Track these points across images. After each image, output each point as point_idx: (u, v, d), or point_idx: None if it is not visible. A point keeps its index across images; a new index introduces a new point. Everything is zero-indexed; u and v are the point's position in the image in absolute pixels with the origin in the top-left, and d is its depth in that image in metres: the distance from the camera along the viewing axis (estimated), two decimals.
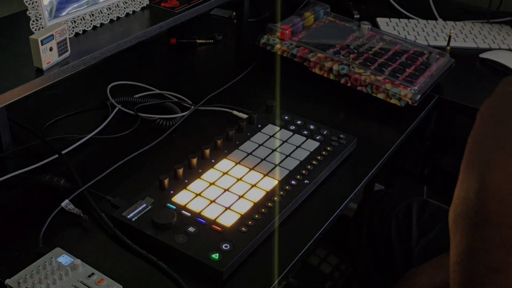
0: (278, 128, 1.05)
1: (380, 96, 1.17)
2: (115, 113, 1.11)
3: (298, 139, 1.02)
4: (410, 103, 1.14)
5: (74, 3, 0.94)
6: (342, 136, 1.03)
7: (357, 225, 1.27)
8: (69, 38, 0.90)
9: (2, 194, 0.92)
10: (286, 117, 1.07)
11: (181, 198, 0.87)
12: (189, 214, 0.84)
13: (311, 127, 1.05)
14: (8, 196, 0.92)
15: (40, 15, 0.88)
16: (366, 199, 1.43)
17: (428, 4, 1.60)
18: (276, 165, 0.96)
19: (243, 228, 0.82)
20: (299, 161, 0.97)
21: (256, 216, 0.85)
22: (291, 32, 1.29)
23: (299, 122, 1.06)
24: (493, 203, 0.49)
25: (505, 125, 0.51)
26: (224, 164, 0.95)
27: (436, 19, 1.56)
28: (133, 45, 1.00)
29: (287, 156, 0.98)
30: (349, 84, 1.19)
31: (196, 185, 0.90)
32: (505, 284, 0.49)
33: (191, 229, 0.82)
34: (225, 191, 0.89)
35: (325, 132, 1.04)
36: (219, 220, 0.84)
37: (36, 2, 0.87)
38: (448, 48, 1.38)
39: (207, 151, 0.95)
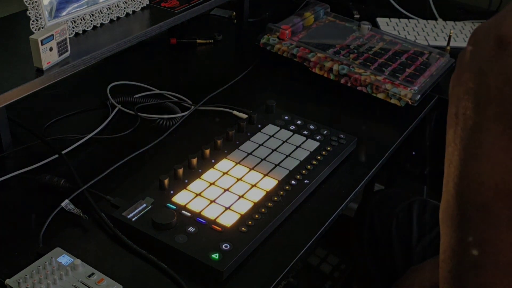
0: (278, 128, 1.05)
1: (380, 96, 1.17)
2: (115, 113, 1.10)
3: (298, 139, 1.02)
4: (410, 103, 1.14)
5: (74, 3, 0.94)
6: (342, 136, 1.03)
7: (357, 225, 1.27)
8: (69, 38, 0.90)
9: (2, 194, 0.92)
10: (286, 117, 1.07)
11: (181, 198, 0.87)
12: (189, 214, 0.84)
13: (311, 127, 1.05)
14: (8, 196, 0.92)
15: (40, 15, 0.88)
16: (366, 199, 1.43)
17: (428, 4, 1.60)
18: (276, 165, 0.96)
19: (243, 228, 0.82)
20: (299, 161, 0.97)
21: (256, 216, 0.85)
22: (291, 32, 1.29)
23: (299, 122, 1.06)
24: (473, 207, 0.50)
25: (478, 127, 0.50)
26: (224, 164, 0.95)
27: (436, 19, 1.56)
28: (133, 45, 1.00)
29: (287, 156, 0.98)
30: (349, 84, 1.19)
31: (196, 185, 0.90)
32: (486, 281, 0.51)
33: (191, 229, 0.82)
34: (225, 191, 0.89)
35: (325, 132, 1.04)
36: (219, 220, 0.84)
37: (36, 2, 0.87)
38: (448, 48, 1.38)
39: (207, 151, 0.95)
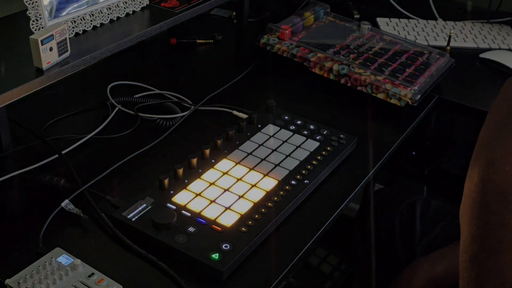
0: (278, 128, 1.05)
1: (380, 96, 1.17)
2: (115, 113, 1.11)
3: (298, 139, 1.02)
4: (410, 103, 1.14)
5: (74, 3, 0.94)
6: (342, 136, 1.03)
7: (360, 224, 1.28)
8: (69, 38, 0.89)
9: (2, 194, 0.92)
10: (286, 117, 1.07)
11: (181, 198, 0.87)
12: (189, 214, 0.84)
13: (311, 127, 1.05)
14: (8, 196, 0.92)
15: (40, 15, 0.88)
16: (369, 198, 1.43)
17: (428, 4, 1.60)
18: (276, 165, 0.96)
19: (243, 228, 0.82)
20: (299, 161, 0.97)
21: (256, 216, 0.85)
22: (291, 32, 1.29)
23: (299, 122, 1.06)
24: (493, 193, 0.55)
25: (507, 127, 0.57)
26: (224, 164, 0.95)
27: (436, 19, 1.56)
28: (133, 45, 1.00)
29: (287, 156, 0.98)
30: (349, 84, 1.19)
31: (196, 185, 0.90)
32: (505, 265, 0.53)
33: (191, 229, 0.82)
34: (225, 191, 0.89)
35: (325, 132, 1.04)
36: (219, 220, 0.84)
37: (36, 2, 0.87)
38: (448, 48, 1.38)
39: (207, 151, 0.95)
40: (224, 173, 0.93)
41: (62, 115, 1.10)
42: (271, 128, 1.04)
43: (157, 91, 1.18)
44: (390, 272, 1.16)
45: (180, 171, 0.90)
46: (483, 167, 0.56)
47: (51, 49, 0.85)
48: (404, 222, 1.18)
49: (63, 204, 0.86)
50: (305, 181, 0.93)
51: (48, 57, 0.85)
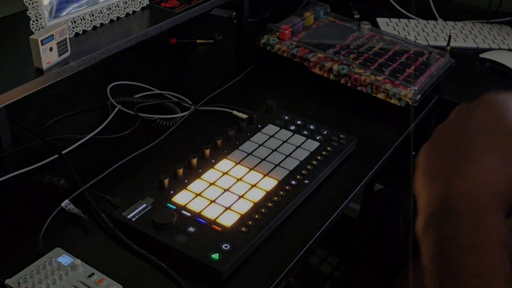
0: (278, 128, 1.05)
1: (380, 96, 1.17)
2: (115, 113, 1.11)
3: (298, 139, 1.02)
4: (410, 103, 1.14)
5: (74, 3, 0.94)
6: (342, 136, 1.03)
7: (363, 224, 1.27)
8: (69, 38, 0.89)
9: (2, 194, 0.92)
10: (286, 117, 1.07)
11: (181, 198, 0.87)
12: (189, 214, 0.84)
13: (311, 127, 1.05)
14: (8, 196, 0.92)
15: (40, 15, 0.88)
16: (369, 198, 1.43)
17: (428, 4, 1.60)
18: (276, 165, 0.96)
19: (243, 228, 0.82)
20: (299, 161, 0.97)
21: (256, 216, 0.85)
22: (291, 32, 1.29)
23: (299, 122, 1.06)
24: (459, 203, 0.59)
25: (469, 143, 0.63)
26: (224, 164, 0.95)
27: (436, 19, 1.56)
28: (133, 45, 1.00)
29: (287, 156, 0.98)
30: (349, 84, 1.19)
31: (196, 185, 0.90)
32: (481, 261, 0.58)
33: (191, 229, 0.82)
34: (225, 191, 0.89)
35: (325, 132, 1.04)
36: (219, 220, 0.84)
37: (36, 2, 0.87)
38: (448, 48, 1.38)
39: (207, 151, 0.95)
40: (224, 173, 0.93)
41: (62, 115, 1.10)
42: (271, 128, 1.04)
43: (157, 91, 1.18)
44: (394, 269, 1.16)
45: (180, 171, 0.90)
46: (446, 183, 0.61)
47: (51, 49, 0.85)
48: (409, 219, 1.18)
49: (63, 204, 0.86)
50: (305, 181, 0.93)
51: (48, 57, 0.85)
